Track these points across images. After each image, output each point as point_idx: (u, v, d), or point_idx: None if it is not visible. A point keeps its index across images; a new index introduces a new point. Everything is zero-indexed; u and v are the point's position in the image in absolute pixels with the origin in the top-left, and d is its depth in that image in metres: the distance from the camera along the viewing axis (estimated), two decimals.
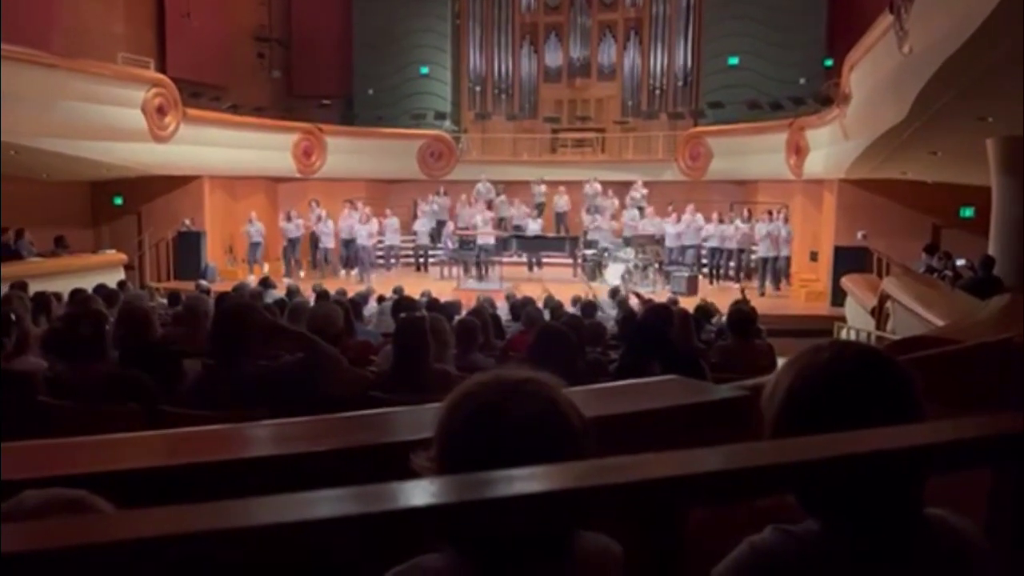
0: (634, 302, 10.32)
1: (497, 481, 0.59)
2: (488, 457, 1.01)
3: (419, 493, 0.56)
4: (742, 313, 6.19)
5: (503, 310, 9.35)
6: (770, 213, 15.42)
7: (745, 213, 16.27)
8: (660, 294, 13.15)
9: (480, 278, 15.90)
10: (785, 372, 1.12)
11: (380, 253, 17.60)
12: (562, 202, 18.39)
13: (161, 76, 15.12)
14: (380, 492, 0.56)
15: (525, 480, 0.60)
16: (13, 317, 3.66)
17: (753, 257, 15.83)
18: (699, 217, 16.49)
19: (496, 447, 1.01)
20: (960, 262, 11.06)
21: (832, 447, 0.64)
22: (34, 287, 7.85)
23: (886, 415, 0.97)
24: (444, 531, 0.56)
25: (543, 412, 1.05)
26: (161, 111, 14.56)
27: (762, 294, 14.81)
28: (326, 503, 0.55)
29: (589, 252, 16.44)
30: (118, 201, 16.55)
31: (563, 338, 3.87)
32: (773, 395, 1.11)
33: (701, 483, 0.60)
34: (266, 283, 9.94)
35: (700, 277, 15.73)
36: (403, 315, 4.05)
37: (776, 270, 15.28)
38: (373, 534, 0.54)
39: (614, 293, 11.53)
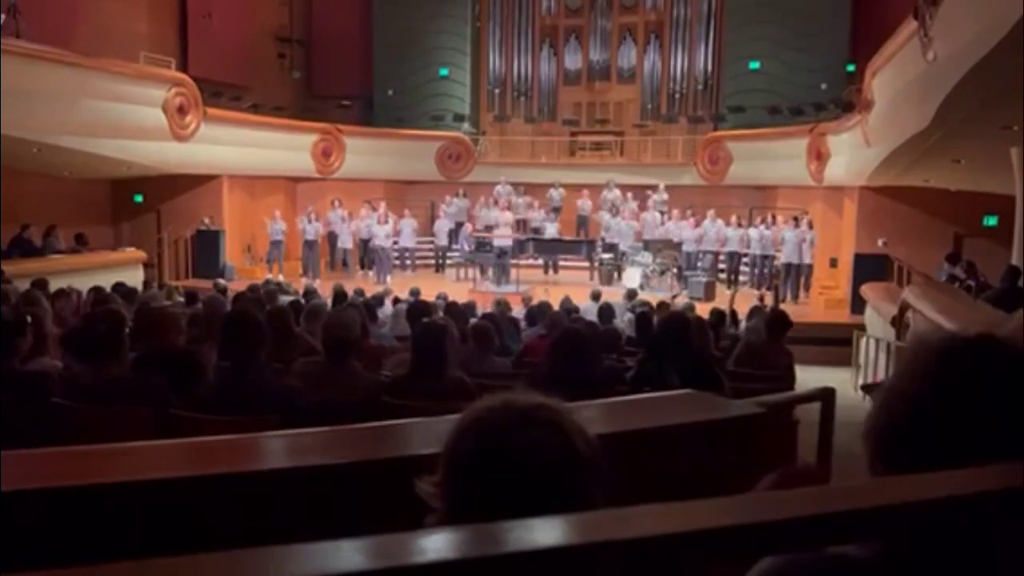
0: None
1: (515, 531, 0.58)
2: (494, 485, 1.00)
3: (435, 546, 0.55)
4: (780, 314, 6.31)
5: (519, 313, 9.34)
6: (796, 220, 15.34)
7: (770, 218, 16.16)
8: (678, 298, 13.10)
9: (497, 280, 15.88)
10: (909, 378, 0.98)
11: (397, 254, 17.64)
12: (585, 205, 18.35)
13: (182, 75, 15.21)
14: (397, 544, 0.55)
15: (546, 531, 0.58)
16: (29, 318, 3.67)
17: (776, 263, 15.75)
18: (719, 222, 16.41)
19: (503, 475, 1.00)
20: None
21: (865, 498, 0.61)
22: (54, 284, 7.90)
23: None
24: None
25: (552, 441, 1.03)
26: (182, 110, 14.65)
27: (783, 300, 14.73)
28: (343, 555, 0.53)
29: (607, 256, 16.39)
30: (138, 199, 16.68)
31: (583, 344, 3.82)
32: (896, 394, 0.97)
33: (718, 539, 0.58)
34: (280, 287, 9.98)
35: (717, 283, 15.64)
36: (425, 320, 4.03)
37: (798, 277, 15.18)
38: None
39: (632, 295, 11.48)
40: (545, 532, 0.59)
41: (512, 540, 0.57)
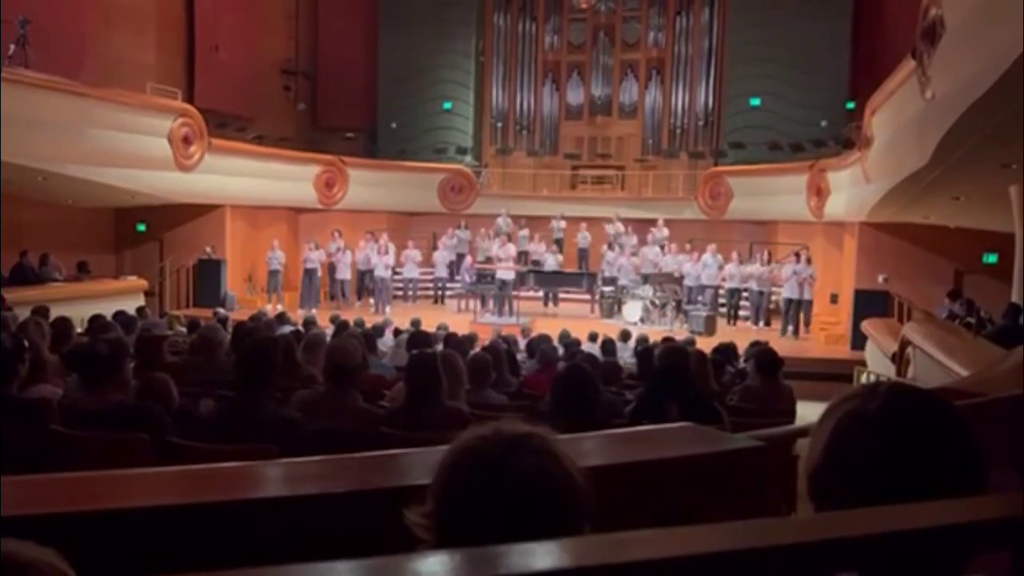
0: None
1: (508, 556, 0.58)
2: (486, 514, 1.00)
3: (430, 569, 0.55)
4: (769, 353, 6.10)
5: (520, 344, 9.33)
6: (797, 256, 15.35)
7: (766, 255, 16.19)
8: (678, 333, 13.07)
9: (499, 312, 15.87)
10: (827, 419, 1.03)
11: (399, 285, 17.66)
12: (585, 238, 18.39)
13: (188, 106, 15.35)
14: (391, 567, 0.55)
15: (539, 556, 0.59)
16: (26, 343, 3.68)
17: (774, 299, 15.74)
18: (719, 257, 16.43)
19: (495, 504, 1.00)
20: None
21: (849, 527, 0.62)
22: (55, 312, 7.90)
23: (943, 479, 0.91)
24: None
25: (544, 469, 1.03)
26: (187, 140, 14.76)
27: (783, 335, 14.73)
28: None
29: (607, 289, 16.40)
30: (141, 228, 16.74)
31: (588, 381, 3.79)
32: (814, 444, 1.03)
33: (711, 565, 0.58)
34: (282, 318, 9.98)
35: (718, 317, 15.63)
36: (415, 352, 4.03)
37: (798, 312, 15.15)
38: None
39: (626, 336, 11.40)
40: (539, 556, 0.59)
41: (506, 564, 0.58)
